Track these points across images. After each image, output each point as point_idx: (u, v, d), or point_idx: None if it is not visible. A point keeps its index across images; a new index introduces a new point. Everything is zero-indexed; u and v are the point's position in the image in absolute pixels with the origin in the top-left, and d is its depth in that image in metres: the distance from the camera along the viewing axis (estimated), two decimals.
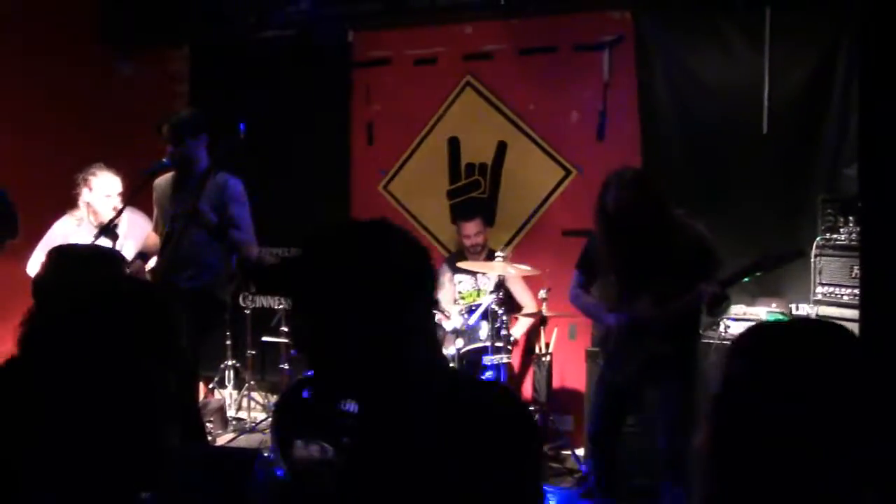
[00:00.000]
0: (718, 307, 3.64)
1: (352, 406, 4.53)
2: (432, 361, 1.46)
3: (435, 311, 1.53)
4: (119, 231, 4.57)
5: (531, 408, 5.09)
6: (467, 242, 5.60)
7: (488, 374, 4.95)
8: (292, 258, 1.49)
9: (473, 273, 5.58)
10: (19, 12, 5.56)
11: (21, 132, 5.60)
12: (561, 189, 5.78)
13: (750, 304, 4.88)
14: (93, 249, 2.71)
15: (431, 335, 1.49)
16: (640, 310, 3.70)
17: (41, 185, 5.55)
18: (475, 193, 6.02)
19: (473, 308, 5.21)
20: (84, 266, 2.39)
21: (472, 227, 5.58)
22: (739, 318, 4.68)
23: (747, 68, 5.14)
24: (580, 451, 5.16)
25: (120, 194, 4.86)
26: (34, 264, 4.75)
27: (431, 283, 1.47)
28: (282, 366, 5.58)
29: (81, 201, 4.89)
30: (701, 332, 4.09)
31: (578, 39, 5.67)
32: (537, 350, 5.22)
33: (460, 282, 5.70)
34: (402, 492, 1.34)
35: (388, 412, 1.41)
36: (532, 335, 5.61)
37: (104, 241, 4.37)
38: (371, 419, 1.45)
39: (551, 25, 5.74)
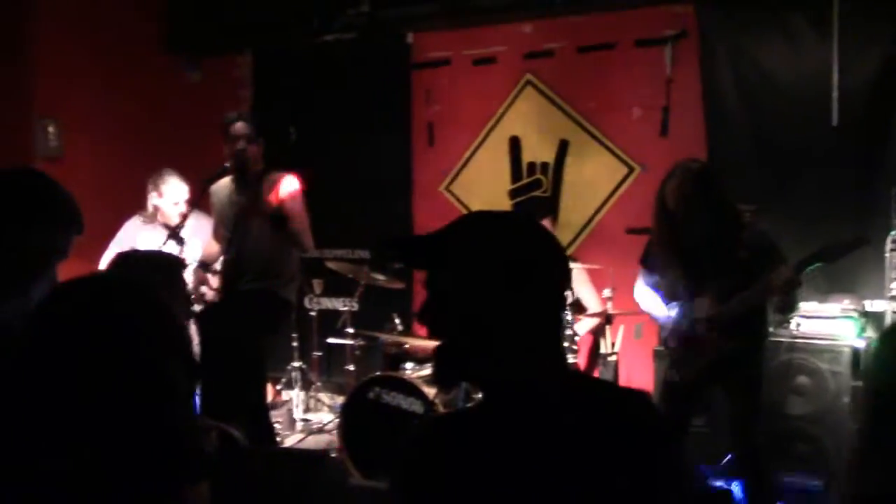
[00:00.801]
0: (791, 294, 3.53)
1: (417, 406, 4.56)
2: (557, 359, 1.46)
3: (562, 312, 1.51)
4: (185, 235, 4.66)
5: None
6: None
7: None
8: (437, 233, 1.48)
9: None
10: (90, 23, 5.71)
11: (92, 137, 5.78)
12: (624, 186, 5.72)
13: (822, 300, 4.75)
14: (157, 255, 2.77)
15: (558, 332, 1.48)
16: (702, 309, 3.64)
17: (112, 187, 5.72)
18: (537, 192, 5.99)
19: None
20: (148, 270, 2.45)
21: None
22: (810, 315, 4.56)
23: (815, 59, 5.02)
24: None
25: (187, 201, 5.09)
26: (105, 264, 4.90)
27: (565, 284, 1.47)
28: (347, 367, 5.62)
29: (150, 204, 5.17)
30: (771, 330, 4.01)
31: (639, 35, 5.60)
32: (603, 350, 5.17)
33: None
34: (519, 489, 1.33)
35: (509, 404, 1.41)
36: (597, 335, 5.56)
37: (171, 246, 4.46)
38: (493, 411, 1.44)
39: (611, 21, 5.68)
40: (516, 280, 1.38)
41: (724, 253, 3.56)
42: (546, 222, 5.50)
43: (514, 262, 1.39)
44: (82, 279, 1.37)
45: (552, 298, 1.44)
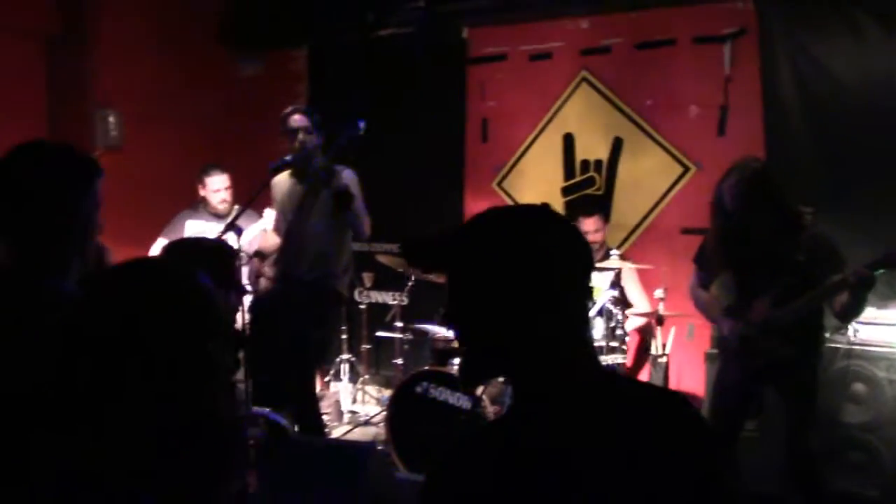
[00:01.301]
0: (861, 297, 3.41)
1: (464, 402, 4.56)
2: (585, 359, 1.41)
3: (586, 309, 1.45)
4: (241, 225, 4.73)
5: None
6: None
7: None
8: (453, 232, 1.44)
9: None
10: (151, 15, 5.81)
11: (151, 128, 5.87)
12: (679, 186, 5.64)
13: (881, 307, 4.63)
14: (208, 242, 2.80)
15: (583, 329, 1.42)
16: (758, 311, 3.56)
17: (170, 178, 5.84)
18: (590, 190, 5.94)
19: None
20: (199, 257, 2.48)
21: (591, 224, 5.47)
22: (868, 322, 4.44)
23: (880, 55, 4.88)
24: None
25: (228, 189, 5.39)
26: (155, 251, 5.01)
27: (587, 279, 1.42)
28: (395, 361, 5.64)
29: (200, 196, 5.46)
30: (827, 335, 3.92)
31: (698, 32, 5.51)
32: (654, 350, 5.10)
33: None
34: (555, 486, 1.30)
35: (537, 410, 1.37)
36: (647, 335, 5.50)
37: (230, 236, 4.53)
38: (521, 419, 1.39)
39: (670, 18, 5.60)
40: (534, 276, 1.33)
41: (782, 255, 3.48)
42: (595, 220, 5.46)
43: (531, 258, 1.34)
44: (124, 264, 1.39)
45: (573, 295, 1.38)
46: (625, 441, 1.30)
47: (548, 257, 1.35)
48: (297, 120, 4.60)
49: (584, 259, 1.41)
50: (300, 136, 4.56)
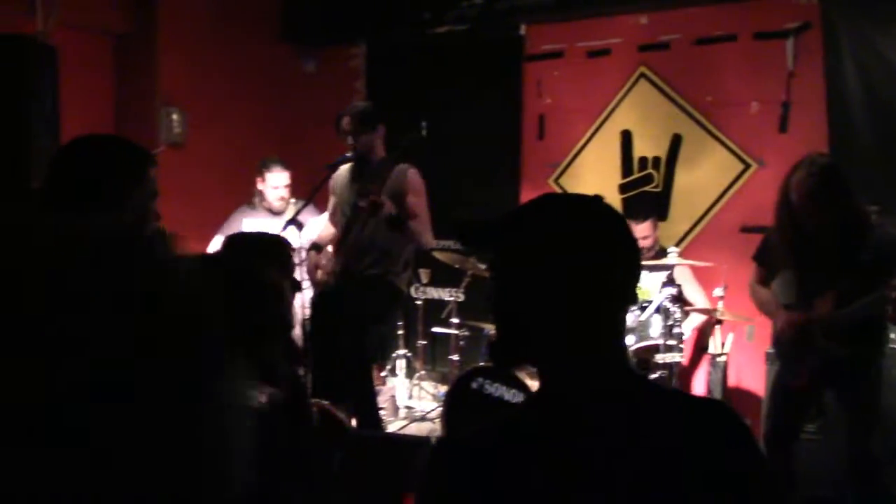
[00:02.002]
0: None
1: (519, 398, 4.57)
2: (623, 360, 1.39)
3: (628, 310, 1.44)
4: (302, 220, 4.79)
5: None
6: None
7: (660, 373, 4.85)
8: (503, 217, 1.42)
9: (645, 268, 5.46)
10: (212, 14, 5.92)
11: (213, 126, 6.00)
12: (740, 183, 5.56)
13: None
14: (267, 237, 2.85)
15: (617, 330, 1.40)
16: (820, 310, 3.50)
17: (231, 174, 5.95)
18: (648, 187, 5.89)
19: (645, 304, 5.10)
20: (254, 251, 2.52)
21: (641, 230, 5.38)
22: None
23: None
24: None
25: (287, 186, 5.39)
26: (213, 249, 5.09)
27: (630, 280, 1.38)
28: (451, 357, 5.66)
29: (256, 189, 5.48)
30: (892, 336, 3.84)
31: (760, 27, 5.43)
32: (712, 350, 5.05)
33: None
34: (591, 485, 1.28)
35: (559, 408, 1.36)
36: (704, 333, 5.44)
37: (292, 232, 4.60)
38: (540, 418, 1.38)
39: (731, 13, 5.53)
40: (575, 266, 1.30)
41: (847, 253, 3.41)
42: (647, 226, 5.39)
43: (573, 245, 1.31)
44: (186, 258, 1.41)
45: (614, 292, 1.34)
46: (644, 446, 1.26)
47: (590, 248, 1.32)
48: (343, 124, 4.67)
49: (630, 258, 1.38)
50: (348, 140, 4.63)
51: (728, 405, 1.39)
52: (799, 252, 3.54)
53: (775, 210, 3.62)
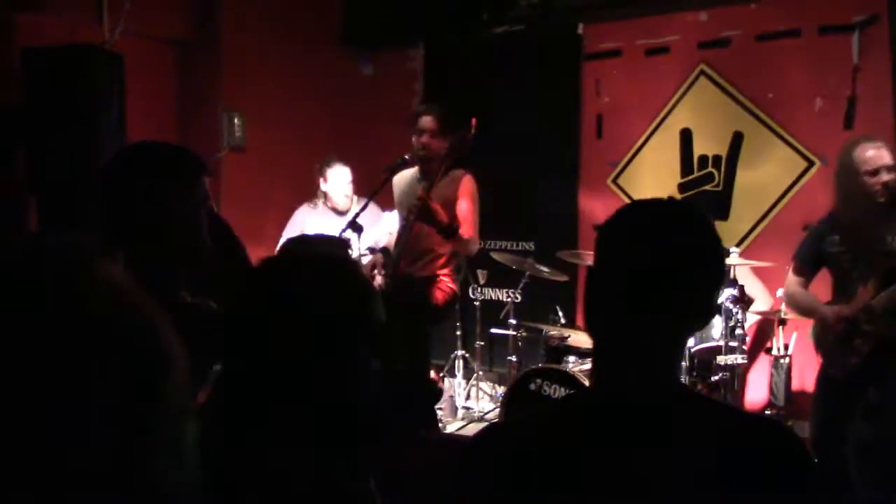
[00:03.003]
0: None
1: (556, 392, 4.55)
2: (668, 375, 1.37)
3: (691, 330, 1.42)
4: (362, 223, 4.83)
5: (767, 412, 4.87)
6: None
7: (721, 375, 4.79)
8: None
9: None
10: (272, 19, 6.02)
11: (273, 129, 6.09)
12: (803, 181, 5.46)
13: None
14: (324, 240, 2.88)
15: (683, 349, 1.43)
16: (863, 298, 3.45)
17: (291, 177, 6.04)
18: (708, 187, 5.81)
19: None
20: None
21: None
22: None
23: None
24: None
25: (350, 182, 5.45)
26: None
27: (712, 295, 1.39)
28: (509, 357, 5.66)
29: (319, 190, 5.53)
30: None
31: (824, 21, 5.31)
32: (775, 351, 4.96)
33: None
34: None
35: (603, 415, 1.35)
36: (766, 334, 5.35)
37: (350, 234, 4.66)
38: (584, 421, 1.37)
39: (794, 8, 5.42)
40: (649, 278, 1.31)
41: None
42: None
43: (657, 257, 1.32)
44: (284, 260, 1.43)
45: (687, 309, 1.34)
46: (685, 463, 1.25)
47: (679, 259, 1.33)
48: (424, 122, 4.67)
49: (714, 274, 1.37)
50: (424, 137, 4.63)
51: (785, 426, 1.37)
52: (865, 239, 3.51)
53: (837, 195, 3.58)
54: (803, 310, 3.90)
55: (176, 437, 0.76)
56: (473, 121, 4.51)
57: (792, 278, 3.85)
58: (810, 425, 4.11)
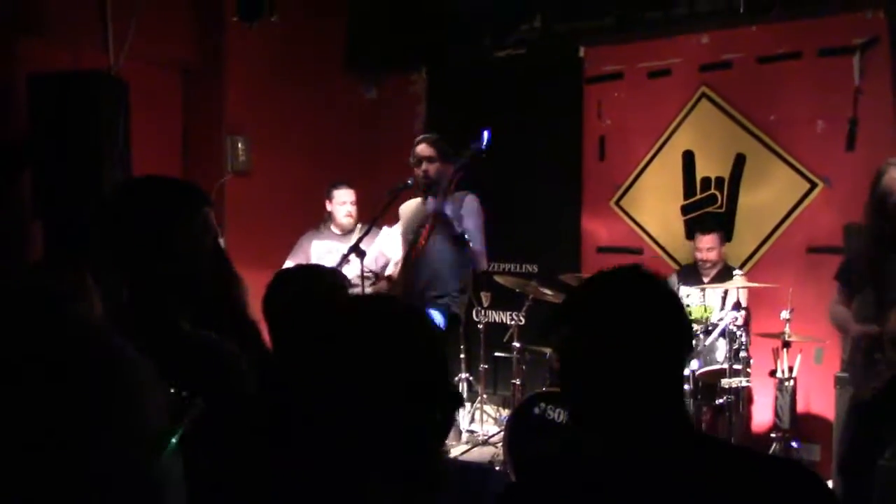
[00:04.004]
0: None
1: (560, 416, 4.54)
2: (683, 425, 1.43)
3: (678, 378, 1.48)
4: (364, 247, 4.84)
5: (772, 435, 4.85)
6: (699, 256, 5.45)
7: (726, 398, 4.78)
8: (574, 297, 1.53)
9: (702, 288, 5.39)
10: (276, 45, 6.05)
11: (277, 153, 6.12)
12: (806, 203, 5.46)
13: None
14: (321, 272, 2.86)
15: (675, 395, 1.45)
16: (893, 322, 3.41)
17: (295, 201, 6.06)
18: (711, 208, 5.81)
19: (710, 327, 5.03)
20: (312, 287, 2.53)
21: (706, 241, 5.40)
22: None
23: None
24: (829, 484, 4.82)
25: (353, 203, 5.50)
26: None
27: (684, 349, 1.45)
28: (513, 381, 5.65)
29: (326, 213, 5.61)
30: None
31: (825, 43, 5.34)
32: (780, 374, 4.95)
33: (688, 295, 5.52)
34: None
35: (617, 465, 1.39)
36: (764, 354, 5.32)
37: (353, 259, 4.67)
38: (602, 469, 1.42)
39: (794, 30, 5.45)
40: (633, 341, 1.37)
41: None
42: (711, 238, 5.36)
43: (629, 328, 1.38)
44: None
45: (668, 363, 1.40)
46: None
47: (666, 324, 1.40)
48: (419, 151, 4.74)
49: (681, 330, 1.44)
50: (423, 165, 4.68)
51: (805, 467, 1.38)
52: (882, 259, 3.46)
53: (865, 214, 3.55)
54: (840, 327, 3.87)
55: (140, 470, 0.77)
56: (486, 133, 4.55)
57: (836, 296, 3.81)
58: (836, 449, 4.08)
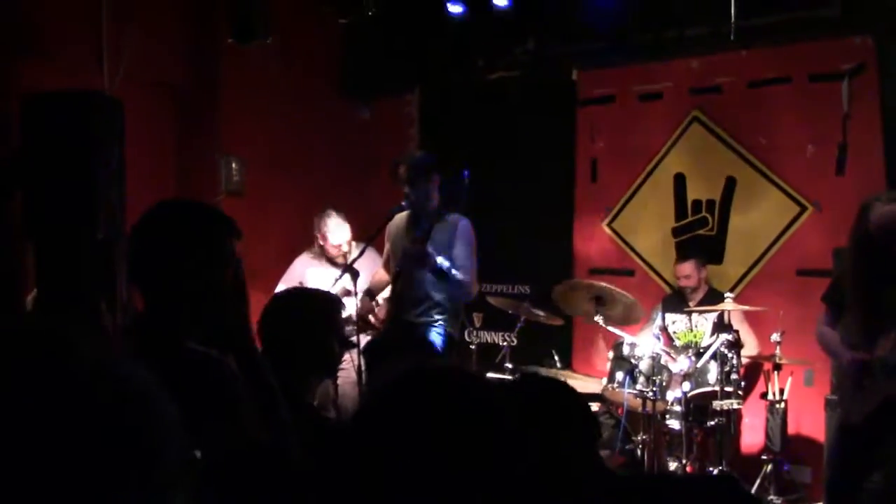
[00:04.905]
0: None
1: None
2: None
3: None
4: (359, 268, 4.85)
5: (763, 457, 4.86)
6: (679, 283, 5.51)
7: (717, 420, 4.79)
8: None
9: (688, 312, 5.42)
10: (271, 66, 6.08)
11: (272, 174, 6.14)
12: (796, 226, 5.50)
13: None
14: (315, 295, 2.88)
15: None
16: (885, 347, 3.44)
17: (290, 222, 6.07)
18: (702, 231, 5.85)
19: (702, 350, 5.04)
20: (306, 310, 2.57)
21: (682, 269, 5.49)
22: None
23: None
24: None
25: (348, 241, 5.33)
26: None
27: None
28: None
29: (316, 242, 5.45)
30: None
31: (814, 69, 5.39)
32: (771, 396, 4.97)
33: (674, 321, 5.55)
34: None
35: None
36: (754, 377, 5.35)
37: (346, 279, 4.67)
38: None
39: (784, 56, 5.51)
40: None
41: None
42: (688, 266, 5.40)
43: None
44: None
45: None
46: None
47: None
48: (399, 173, 4.77)
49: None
50: (405, 188, 4.69)
51: (734, 477, 1.44)
52: (869, 286, 3.49)
53: (849, 243, 3.58)
54: (828, 350, 3.89)
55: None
56: (466, 172, 4.57)
57: (822, 317, 3.83)
58: (825, 471, 4.09)
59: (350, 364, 4.48)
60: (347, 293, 4.71)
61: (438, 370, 1.30)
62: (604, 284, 5.16)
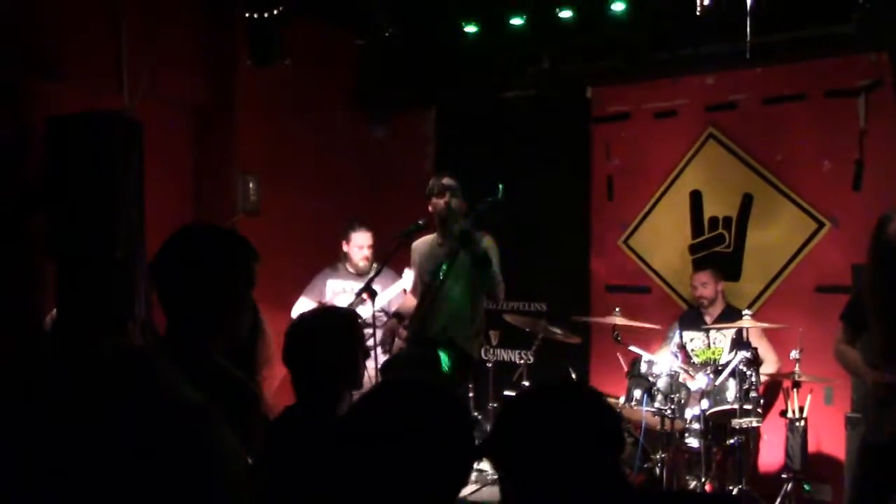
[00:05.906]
0: None
1: None
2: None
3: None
4: (376, 287, 4.88)
5: (783, 475, 4.81)
6: (695, 293, 5.51)
7: (737, 439, 4.75)
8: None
9: (706, 330, 5.41)
10: (287, 85, 6.13)
11: (288, 192, 6.16)
12: (813, 243, 5.48)
13: None
14: (337, 313, 2.93)
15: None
16: None
17: (306, 240, 6.10)
18: (719, 248, 5.83)
19: (721, 367, 5.02)
20: (329, 327, 2.61)
21: (700, 277, 5.50)
22: None
23: None
24: None
25: (370, 246, 5.51)
26: (297, 311, 5.21)
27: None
28: None
29: (342, 252, 5.63)
30: None
31: (830, 85, 5.39)
32: (790, 414, 4.93)
33: (692, 339, 5.53)
34: None
35: None
36: (774, 394, 5.31)
37: (364, 298, 4.70)
38: None
39: (800, 72, 5.51)
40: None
41: None
42: (703, 275, 5.42)
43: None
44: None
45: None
46: None
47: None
48: (431, 188, 4.80)
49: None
50: (446, 196, 4.76)
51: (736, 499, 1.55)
52: (891, 307, 3.45)
53: (868, 264, 3.55)
54: (849, 369, 3.85)
55: None
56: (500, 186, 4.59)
57: (841, 336, 3.80)
58: (847, 490, 4.05)
59: (367, 382, 4.48)
60: (362, 301, 4.78)
61: (404, 384, 1.62)
62: None
